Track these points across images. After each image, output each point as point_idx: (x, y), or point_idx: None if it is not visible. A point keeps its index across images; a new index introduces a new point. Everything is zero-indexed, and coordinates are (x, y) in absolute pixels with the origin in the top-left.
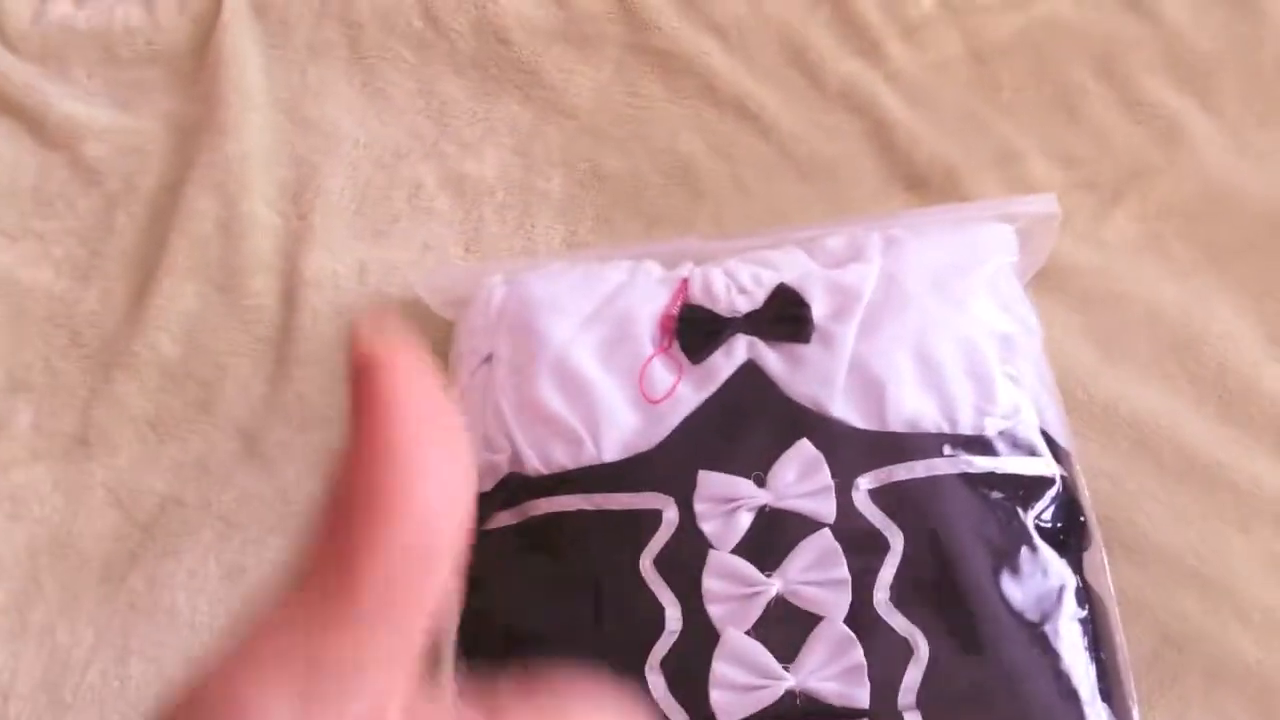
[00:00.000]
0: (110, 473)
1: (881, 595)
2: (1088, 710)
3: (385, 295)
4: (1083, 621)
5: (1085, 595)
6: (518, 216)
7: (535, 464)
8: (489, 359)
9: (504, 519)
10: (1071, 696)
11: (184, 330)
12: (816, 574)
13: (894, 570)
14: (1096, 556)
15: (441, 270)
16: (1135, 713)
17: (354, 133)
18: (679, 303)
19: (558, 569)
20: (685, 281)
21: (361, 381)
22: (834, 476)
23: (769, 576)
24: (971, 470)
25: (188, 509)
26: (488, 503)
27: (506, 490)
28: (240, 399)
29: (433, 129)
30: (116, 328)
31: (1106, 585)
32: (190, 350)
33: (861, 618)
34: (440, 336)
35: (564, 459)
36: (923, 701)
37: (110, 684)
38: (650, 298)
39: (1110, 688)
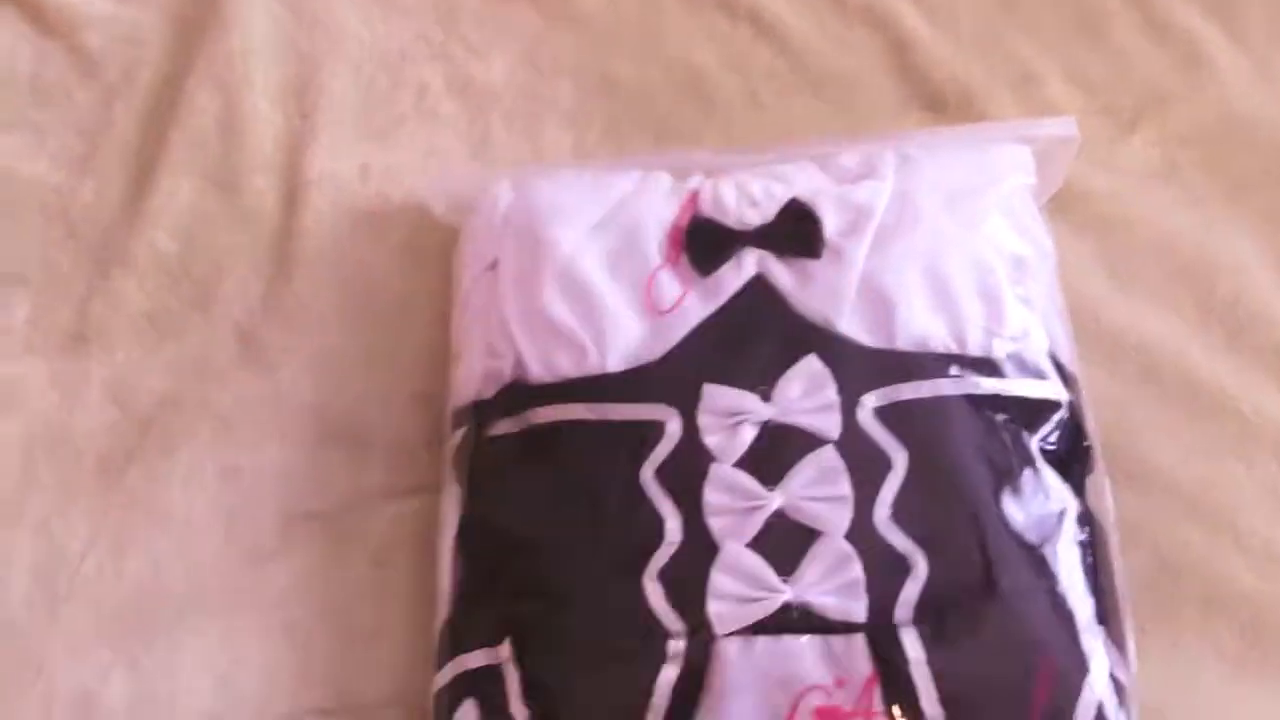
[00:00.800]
0: (108, 370)
1: (882, 512)
2: (1083, 632)
3: (388, 198)
4: (1082, 545)
5: (1086, 519)
6: (525, 123)
7: (538, 371)
8: (494, 265)
9: (505, 426)
10: (1067, 618)
11: (183, 227)
12: (818, 490)
13: (895, 488)
14: (1099, 482)
15: (447, 174)
16: (1130, 637)
17: (359, 31)
18: (688, 214)
19: (558, 477)
20: (695, 193)
21: None
22: (839, 393)
23: (770, 491)
24: (978, 391)
25: (185, 408)
26: (490, 409)
27: (509, 397)
28: (239, 299)
29: (440, 31)
30: (114, 223)
31: (1107, 511)
32: (189, 248)
33: (861, 534)
34: (444, 241)
35: (567, 367)
36: (919, 617)
37: (105, 577)
38: (659, 208)
39: (1106, 611)
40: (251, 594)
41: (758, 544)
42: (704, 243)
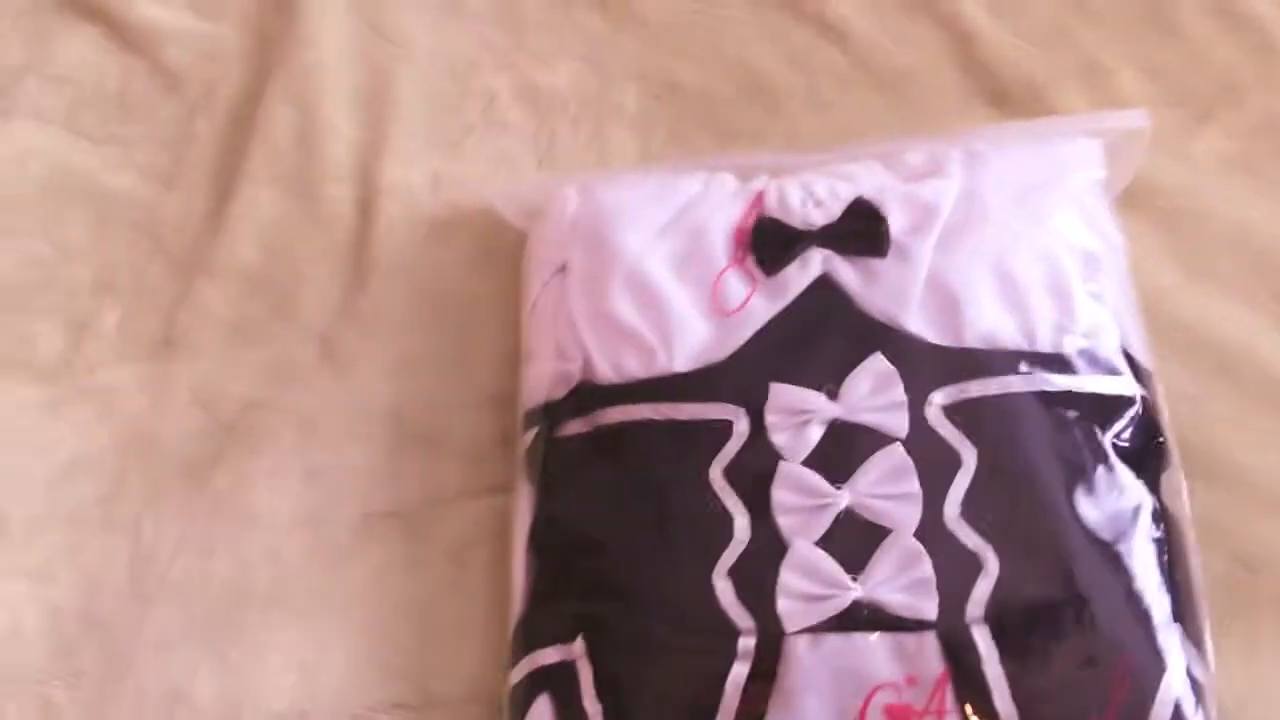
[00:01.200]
0: (194, 375)
1: (952, 510)
2: (1159, 631)
3: (458, 206)
4: (1157, 542)
5: (1161, 516)
6: (591, 129)
7: (607, 372)
8: (563, 269)
9: (575, 427)
10: (1143, 617)
11: (263, 237)
12: (887, 488)
13: (966, 486)
14: (1174, 478)
15: (516, 181)
16: (1208, 635)
17: (428, 41)
18: (754, 215)
19: (627, 477)
20: (760, 194)
21: None
22: (907, 391)
23: (839, 489)
24: (1049, 388)
25: (268, 411)
26: (560, 410)
27: (578, 398)
28: (318, 305)
29: (506, 38)
30: (198, 233)
31: (1183, 507)
32: (269, 256)
33: (931, 531)
34: (513, 247)
35: (635, 368)
36: (991, 615)
37: (193, 579)
38: (724, 209)
39: (1183, 609)
40: (333, 592)
41: (826, 542)
42: (769, 243)
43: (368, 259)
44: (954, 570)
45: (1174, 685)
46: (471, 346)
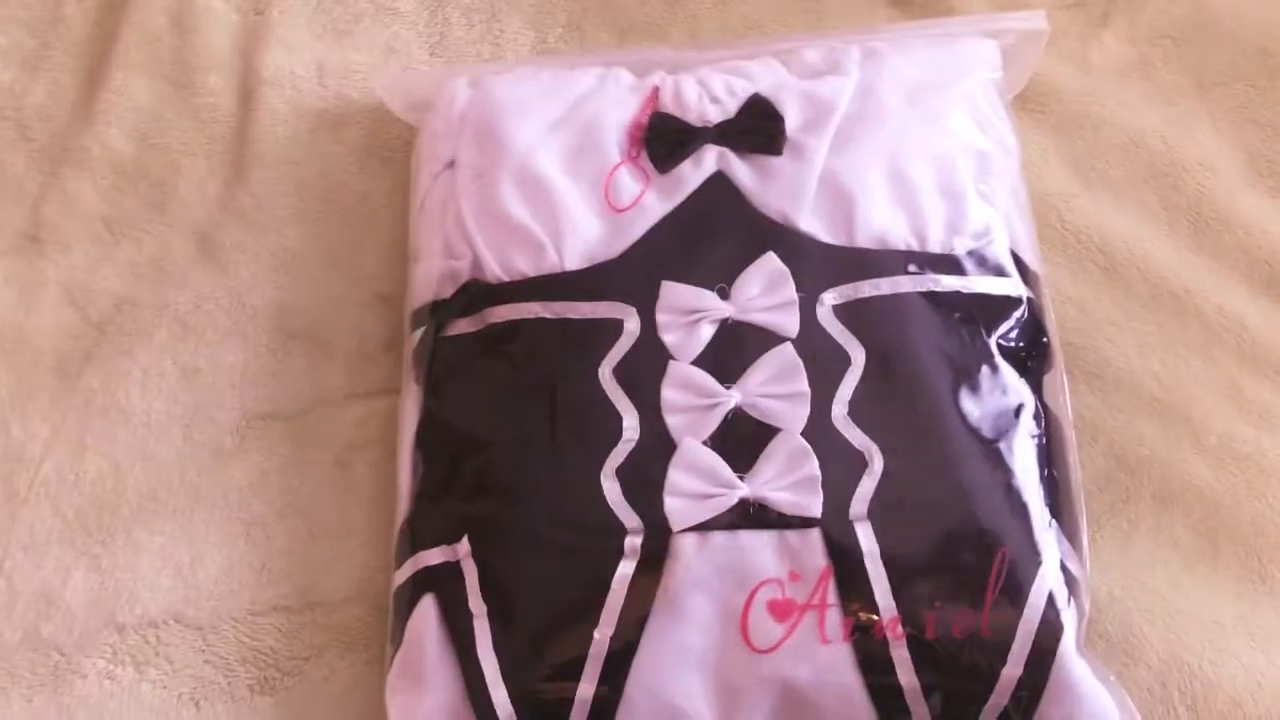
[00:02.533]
0: (64, 270)
1: (839, 409)
2: (1036, 526)
3: (346, 97)
4: (1038, 441)
5: (1042, 416)
6: (485, 21)
7: (496, 270)
8: (452, 164)
9: (463, 325)
10: (1021, 512)
11: (136, 127)
12: (776, 387)
13: (853, 385)
14: (1057, 379)
15: (405, 73)
16: (1084, 531)
17: None
18: (649, 111)
19: (516, 376)
20: (656, 89)
21: None
22: (799, 291)
23: (728, 388)
24: (938, 289)
25: (143, 309)
26: (447, 309)
27: (467, 296)
28: (195, 199)
29: None
30: (66, 122)
31: (1064, 407)
32: (143, 148)
33: (819, 431)
34: (403, 141)
35: (525, 266)
36: (874, 512)
37: (65, 479)
38: (619, 105)
39: (1061, 505)
40: (212, 493)
41: (715, 441)
42: (664, 139)
43: (249, 152)
44: (840, 468)
45: (1048, 578)
46: (358, 244)
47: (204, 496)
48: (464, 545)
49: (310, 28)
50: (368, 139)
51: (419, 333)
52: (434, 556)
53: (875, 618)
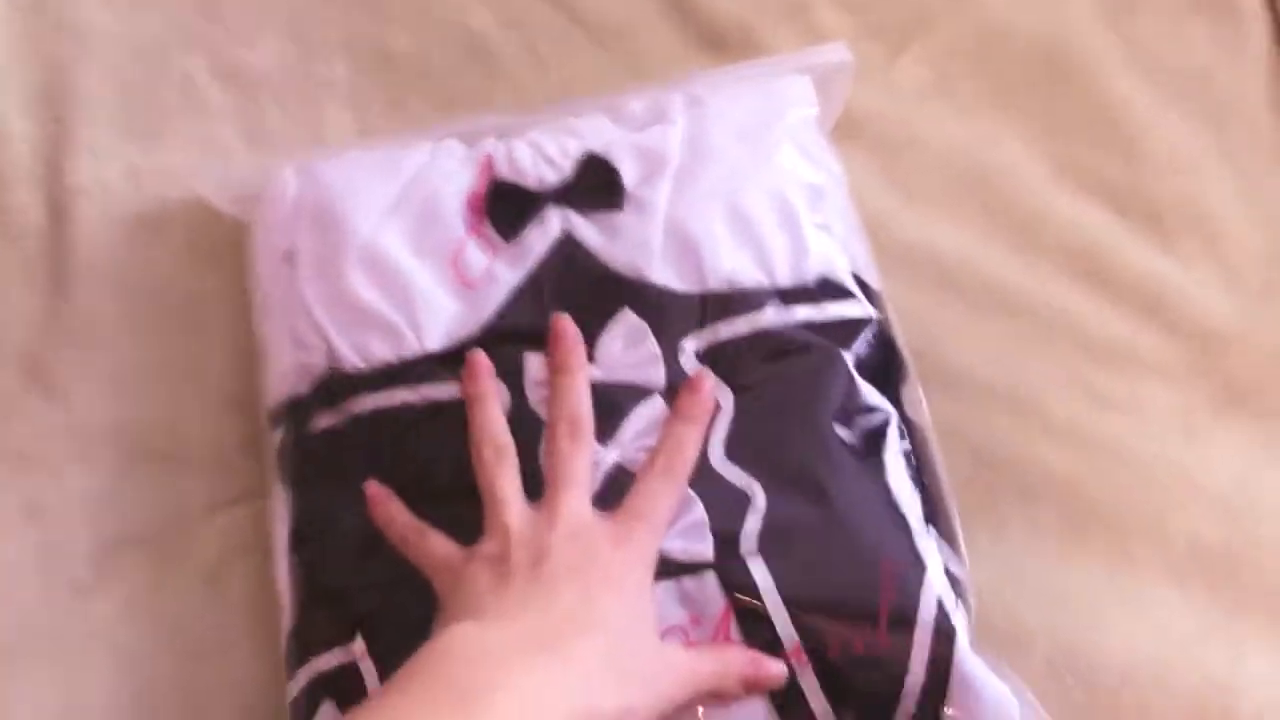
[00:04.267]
0: None
1: (716, 451)
2: (917, 537)
3: (164, 198)
4: (906, 453)
5: (906, 427)
6: (302, 106)
7: (353, 359)
8: (290, 256)
9: (326, 420)
10: (902, 525)
11: None
12: (651, 439)
13: (727, 426)
14: (913, 390)
15: (226, 167)
16: (959, 533)
17: (108, 26)
18: (485, 180)
19: (388, 466)
20: (489, 157)
21: None
22: (659, 342)
23: (605, 446)
24: (793, 319)
25: None
26: (306, 406)
27: (325, 390)
28: (17, 323)
29: (197, 17)
30: None
31: (924, 416)
32: None
33: (699, 475)
34: (232, 237)
35: (384, 352)
36: (764, 546)
37: None
38: (455, 177)
39: (935, 512)
40: (78, 631)
41: (600, 500)
42: (505, 207)
43: (68, 266)
44: (725, 509)
45: (935, 584)
46: (199, 349)
47: (69, 636)
48: (359, 644)
49: (117, 131)
50: (193, 238)
51: (279, 433)
52: (328, 661)
53: (780, 648)
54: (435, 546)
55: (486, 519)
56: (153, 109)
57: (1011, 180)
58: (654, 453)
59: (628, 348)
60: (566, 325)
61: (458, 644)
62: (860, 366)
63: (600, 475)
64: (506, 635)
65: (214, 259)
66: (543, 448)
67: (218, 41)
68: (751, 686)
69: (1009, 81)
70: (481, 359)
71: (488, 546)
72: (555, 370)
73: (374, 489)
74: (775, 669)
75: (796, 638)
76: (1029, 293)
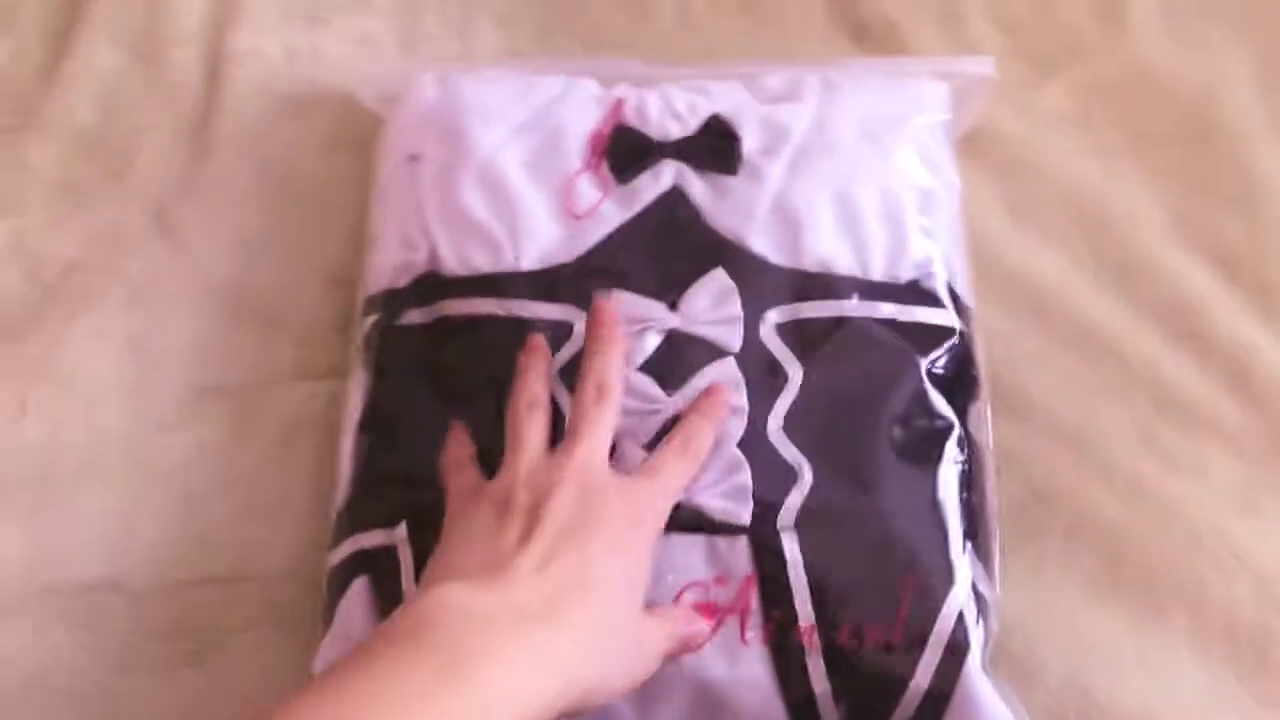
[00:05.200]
0: (12, 231)
1: (775, 424)
2: (952, 548)
3: (313, 82)
4: (960, 468)
5: (966, 444)
6: (458, 18)
7: (452, 264)
8: (415, 158)
9: (415, 316)
10: (939, 533)
11: (101, 96)
12: None
13: (790, 402)
14: (981, 409)
15: (376, 64)
16: (996, 556)
17: None
18: (612, 122)
19: (464, 369)
20: (620, 101)
21: None
22: (744, 307)
23: (670, 395)
24: (876, 315)
25: (94, 274)
26: (402, 299)
27: (422, 288)
28: (156, 172)
29: None
30: (29, 86)
31: (986, 437)
32: (107, 118)
33: (753, 443)
34: (367, 130)
35: (482, 262)
36: (800, 524)
37: (6, 439)
38: (584, 113)
39: (976, 530)
40: (152, 463)
41: (653, 446)
42: (624, 151)
43: (212, 130)
44: (771, 480)
45: (960, 598)
46: (315, 227)
47: (144, 466)
48: (401, 530)
49: (283, 10)
50: (333, 126)
51: (370, 319)
52: (371, 539)
53: (794, 624)
54: (462, 477)
55: (504, 461)
56: None
57: (1127, 225)
58: (674, 430)
59: (712, 305)
60: (607, 304)
61: (448, 607)
62: (934, 374)
63: (658, 422)
64: (496, 605)
65: (347, 147)
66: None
67: None
68: (685, 647)
69: (1148, 127)
70: (540, 340)
71: (496, 484)
72: (592, 342)
73: (458, 431)
74: (699, 629)
75: (813, 618)
76: (1119, 338)
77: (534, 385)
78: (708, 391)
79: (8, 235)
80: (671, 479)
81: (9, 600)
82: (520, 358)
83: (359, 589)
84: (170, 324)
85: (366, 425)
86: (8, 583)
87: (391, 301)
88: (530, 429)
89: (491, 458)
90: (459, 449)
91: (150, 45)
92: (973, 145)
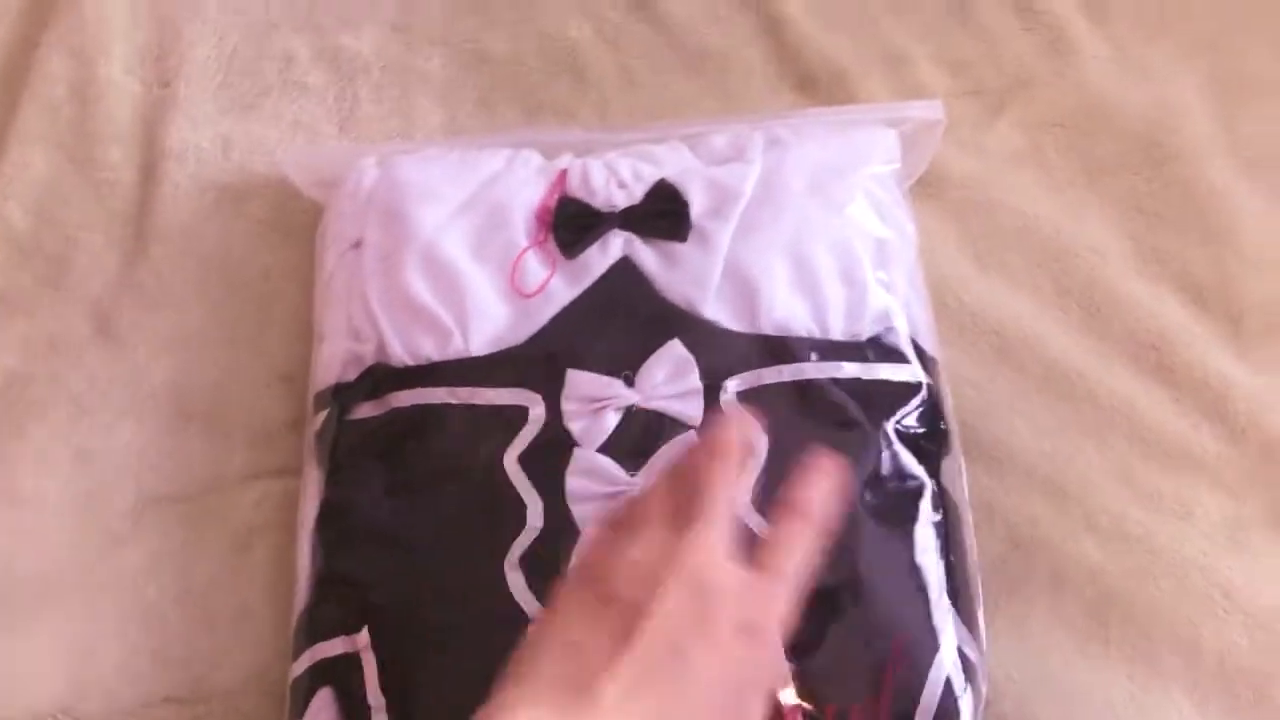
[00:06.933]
0: None
1: (743, 499)
2: (935, 609)
3: (251, 172)
4: (936, 525)
5: (941, 501)
6: (395, 98)
7: (400, 354)
8: (358, 244)
9: (367, 410)
10: (920, 598)
11: (35, 200)
12: None
13: (757, 473)
14: (954, 463)
15: (311, 149)
16: (981, 614)
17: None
18: (556, 195)
19: (419, 462)
20: (564, 173)
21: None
22: (703, 378)
23: (633, 476)
24: (839, 375)
25: (36, 387)
26: (351, 392)
27: (371, 380)
28: (94, 275)
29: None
30: None
31: (962, 491)
32: (41, 222)
33: None
34: (309, 218)
35: (430, 350)
36: None
37: None
38: (527, 187)
39: (958, 589)
40: (107, 578)
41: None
42: (571, 224)
43: (150, 226)
44: (742, 555)
45: (945, 663)
46: (261, 322)
47: (97, 583)
48: (364, 636)
49: (216, 101)
50: (272, 214)
51: (322, 415)
52: (333, 647)
53: (776, 706)
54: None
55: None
56: (252, 83)
57: (1090, 260)
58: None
59: (670, 379)
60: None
61: None
62: (902, 433)
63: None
64: None
65: (288, 236)
66: (571, 467)
67: (325, 24)
68: None
69: (1103, 158)
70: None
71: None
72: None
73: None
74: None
75: (795, 698)
76: (1090, 378)
77: (717, 485)
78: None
79: None
80: (794, 574)
81: None
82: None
83: (322, 702)
84: (115, 433)
85: (321, 525)
86: None
87: (342, 395)
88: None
89: (446, 549)
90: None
91: (83, 146)
92: (928, 188)
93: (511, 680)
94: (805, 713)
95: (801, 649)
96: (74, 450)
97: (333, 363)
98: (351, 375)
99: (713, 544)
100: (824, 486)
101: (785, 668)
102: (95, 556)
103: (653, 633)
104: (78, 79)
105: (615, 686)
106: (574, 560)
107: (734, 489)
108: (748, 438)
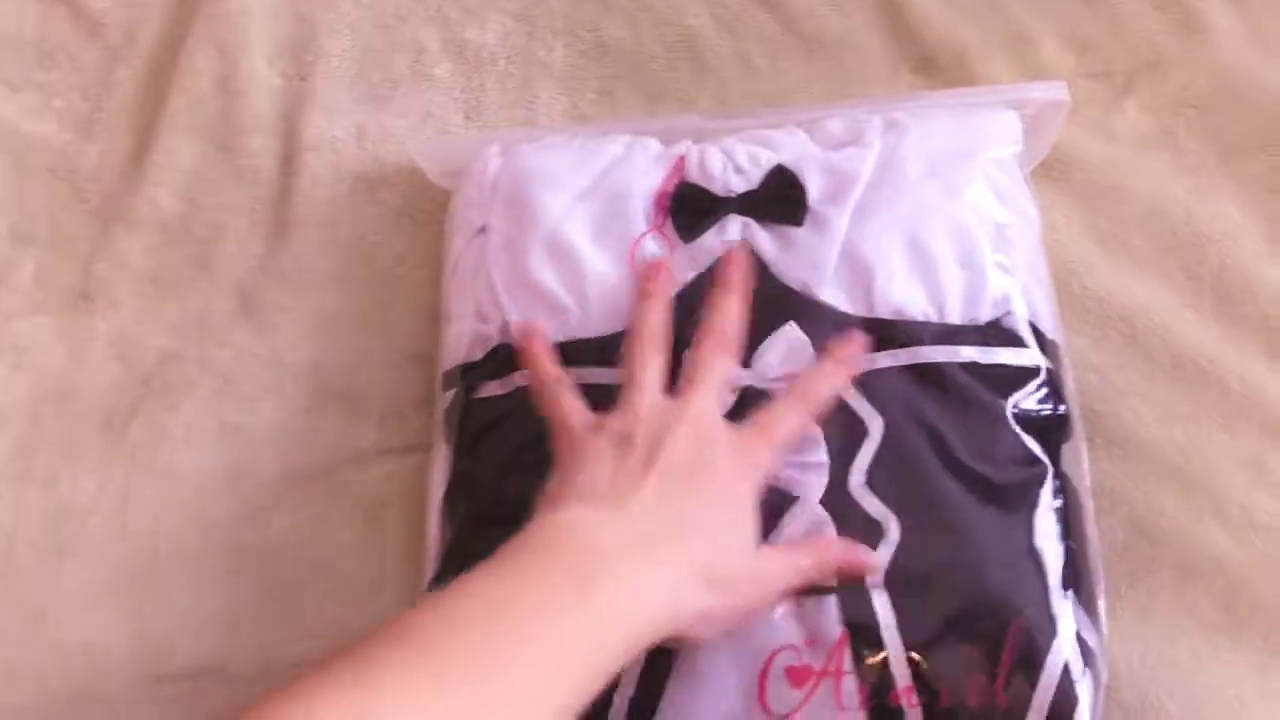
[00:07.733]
0: (111, 327)
1: (857, 479)
2: (1053, 597)
3: (383, 161)
4: (1057, 511)
5: (1061, 486)
6: (519, 86)
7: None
8: (484, 230)
9: (492, 388)
10: (1038, 582)
11: (183, 187)
12: (795, 456)
13: (871, 455)
14: (1075, 448)
15: (439, 139)
16: (1102, 602)
17: None
18: (674, 180)
19: (541, 440)
20: (682, 159)
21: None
22: (818, 360)
23: None
24: (956, 359)
25: (185, 364)
26: (477, 372)
27: (496, 360)
28: (238, 258)
29: None
30: (117, 182)
31: (1083, 477)
32: (189, 207)
33: (836, 499)
34: (438, 205)
35: (551, 331)
36: (890, 581)
37: (110, 533)
38: (646, 174)
39: (1078, 576)
40: (249, 550)
41: None
42: (688, 209)
43: (289, 213)
44: (856, 537)
45: (1064, 649)
46: (393, 305)
47: (241, 553)
48: None
49: (350, 93)
50: (403, 202)
51: (450, 393)
52: None
53: (891, 685)
54: (567, 405)
55: (620, 399)
56: (384, 76)
57: (1222, 245)
58: (793, 384)
59: (785, 360)
60: (736, 254)
61: (574, 529)
62: (1021, 417)
63: None
64: (618, 530)
65: (419, 224)
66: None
67: (451, 17)
68: (846, 576)
69: (1237, 139)
70: (668, 267)
71: (615, 423)
72: (720, 286)
73: (522, 328)
74: (871, 559)
75: (910, 678)
76: (1221, 365)
77: (654, 323)
78: (827, 350)
79: (106, 330)
80: (779, 433)
81: (124, 693)
82: (642, 281)
83: None
84: (258, 409)
85: (450, 500)
86: (118, 674)
87: (468, 375)
88: (648, 369)
89: None
90: (536, 352)
91: (227, 134)
92: (1053, 172)
93: (553, 496)
94: (921, 694)
95: (917, 629)
96: (221, 424)
97: (460, 343)
98: (478, 355)
99: (707, 404)
100: (741, 264)
101: (776, 460)
102: (240, 527)
103: (668, 460)
104: (222, 72)
105: (647, 494)
106: (564, 416)
107: (729, 364)
108: (746, 271)
